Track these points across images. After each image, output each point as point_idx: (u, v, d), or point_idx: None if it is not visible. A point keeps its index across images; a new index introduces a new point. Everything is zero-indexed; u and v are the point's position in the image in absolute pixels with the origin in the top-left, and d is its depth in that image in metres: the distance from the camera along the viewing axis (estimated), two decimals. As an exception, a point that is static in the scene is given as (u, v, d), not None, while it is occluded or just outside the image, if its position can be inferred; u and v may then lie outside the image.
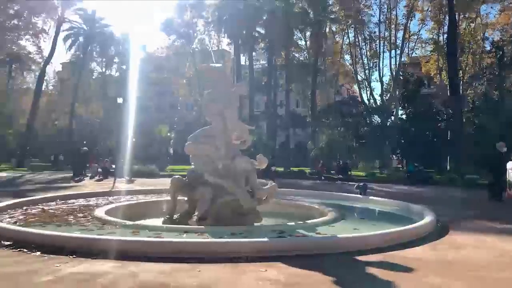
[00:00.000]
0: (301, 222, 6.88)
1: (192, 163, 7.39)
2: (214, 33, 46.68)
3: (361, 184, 12.79)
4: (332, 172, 28.13)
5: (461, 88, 33.66)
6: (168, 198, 7.38)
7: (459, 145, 26.69)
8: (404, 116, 34.69)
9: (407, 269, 4.43)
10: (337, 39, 45.25)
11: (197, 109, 45.38)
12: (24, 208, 8.27)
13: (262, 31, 39.90)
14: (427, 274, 4.26)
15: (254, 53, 41.33)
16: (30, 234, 5.32)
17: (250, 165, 7.15)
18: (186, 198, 7.19)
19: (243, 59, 43.30)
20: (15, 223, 6.55)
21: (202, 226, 6.39)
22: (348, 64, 46.52)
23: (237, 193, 6.87)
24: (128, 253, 4.61)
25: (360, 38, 42.11)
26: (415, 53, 43.19)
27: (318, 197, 11.15)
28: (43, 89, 44.25)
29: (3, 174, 23.38)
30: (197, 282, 3.83)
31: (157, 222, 7.02)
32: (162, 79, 53.12)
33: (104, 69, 52.52)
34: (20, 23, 34.98)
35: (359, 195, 11.75)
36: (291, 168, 31.37)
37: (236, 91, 7.77)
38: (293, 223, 6.84)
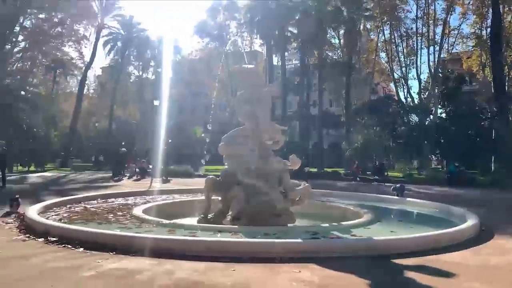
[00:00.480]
0: (336, 224, 6.78)
1: (226, 164, 7.48)
2: (246, 34, 47.00)
3: (398, 185, 12.40)
4: (367, 173, 27.49)
5: (506, 84, 31.81)
6: (203, 197, 7.52)
7: (505, 144, 25.22)
8: (444, 115, 33.23)
9: (448, 274, 4.25)
10: (372, 36, 44.17)
11: (230, 110, 45.86)
12: (68, 206, 8.72)
13: (295, 31, 39.66)
14: (469, 279, 4.07)
15: (286, 53, 41.18)
16: (74, 231, 5.60)
17: (282, 166, 7.13)
18: (220, 198, 7.29)
19: (275, 60, 43.26)
20: (60, 220, 6.91)
21: (236, 226, 6.46)
22: (383, 62, 45.25)
23: (270, 194, 6.88)
24: (164, 251, 4.74)
25: (396, 35, 40.83)
26: (456, 49, 41.31)
27: (353, 199, 10.94)
28: (84, 92, 46.39)
29: (49, 174, 24.74)
30: (231, 281, 3.87)
31: (192, 221, 7.16)
32: (196, 81, 54.13)
33: (140, 73, 54.29)
34: (63, 31, 36.87)
35: (396, 197, 11.40)
36: (325, 169, 30.95)
37: (268, 91, 7.78)
38: (327, 225, 6.75)
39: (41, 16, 34.71)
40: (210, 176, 7.60)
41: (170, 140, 26.68)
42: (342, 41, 41.97)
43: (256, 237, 5.49)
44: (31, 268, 4.30)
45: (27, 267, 4.35)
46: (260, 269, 4.27)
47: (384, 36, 41.88)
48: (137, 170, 23.49)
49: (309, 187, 7.30)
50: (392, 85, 46.90)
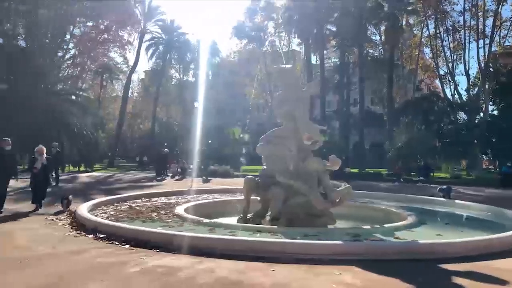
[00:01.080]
0: (378, 226, 6.60)
1: (264, 164, 7.51)
2: (284, 34, 46.90)
3: (445, 186, 11.82)
4: (412, 173, 26.43)
5: None
6: (242, 197, 7.59)
7: None
8: (495, 112, 31.23)
9: (499, 281, 3.99)
10: (415, 31, 42.46)
11: (268, 111, 45.95)
12: (115, 204, 9.14)
13: (334, 29, 39.02)
14: (525, 288, 3.80)
15: (325, 52, 40.58)
16: (120, 229, 5.87)
17: (322, 166, 7.04)
18: (259, 198, 7.32)
19: (314, 58, 42.83)
20: (107, 218, 7.27)
21: (275, 226, 6.46)
22: (428, 57, 43.37)
23: (309, 194, 6.82)
24: (205, 250, 4.84)
25: (441, 29, 38.96)
26: (508, 42, 38.72)
27: (397, 200, 10.57)
28: (129, 96, 48.43)
29: (97, 173, 26.06)
30: (271, 281, 3.88)
31: (232, 220, 7.25)
32: (235, 82, 54.79)
33: (181, 75, 55.80)
34: (109, 37, 38.71)
35: (442, 199, 10.88)
36: (366, 170, 30.15)
37: (307, 91, 7.72)
38: (369, 227, 6.58)
39: (89, 24, 36.68)
40: (249, 177, 7.66)
41: (210, 141, 27.20)
42: (383, 37, 40.74)
43: (296, 238, 5.46)
44: (83, 262, 4.56)
45: (79, 261, 4.62)
46: (300, 270, 4.25)
47: (429, 31, 40.12)
48: (179, 170, 24.16)
49: (349, 188, 7.16)
50: (437, 81, 44.83)
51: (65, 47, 35.12)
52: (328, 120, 36.89)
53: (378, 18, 37.06)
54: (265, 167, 7.48)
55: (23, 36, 31.82)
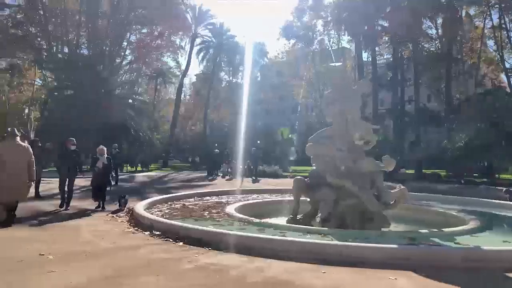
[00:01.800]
0: (436, 230, 6.23)
1: (314, 164, 7.40)
2: (333, 32, 46.02)
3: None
4: (474, 175, 24.70)
5: None
6: (291, 198, 7.55)
7: None
8: None
9: None
10: (477, 23, 39.59)
11: (318, 110, 45.33)
12: (169, 203, 9.52)
13: (386, 24, 37.53)
14: None
15: (377, 48, 39.18)
16: (174, 226, 6.09)
17: (375, 167, 6.80)
18: (308, 199, 7.24)
19: (365, 55, 41.48)
20: (162, 216, 7.58)
21: (326, 228, 6.34)
22: (492, 50, 40.22)
23: (361, 196, 6.62)
24: (255, 249, 4.87)
25: (507, 19, 35.94)
26: None
27: (457, 203, 9.92)
28: (181, 98, 50.28)
29: (153, 173, 27.30)
30: (322, 283, 3.81)
31: (281, 221, 7.24)
32: (283, 82, 54.75)
33: (231, 77, 56.85)
34: (162, 43, 40.46)
35: (509, 202, 10.03)
36: (423, 171, 28.63)
37: (358, 89, 7.50)
38: (426, 231, 6.24)
39: (143, 31, 38.60)
40: (299, 177, 7.60)
41: (258, 141, 27.39)
42: (440, 30, 38.47)
43: (347, 240, 5.32)
44: (140, 257, 4.80)
45: (137, 256, 4.86)
46: (351, 274, 4.13)
47: (492, 22, 37.20)
48: (229, 170, 24.61)
49: (405, 190, 6.84)
50: (503, 76, 41.43)
51: (122, 53, 37.27)
52: (381, 119, 35.54)
53: (434, 10, 35.04)
54: (314, 167, 7.38)
55: (85, 45, 34.28)
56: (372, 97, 35.09)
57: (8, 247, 5.36)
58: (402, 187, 6.97)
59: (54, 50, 32.17)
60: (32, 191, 9.41)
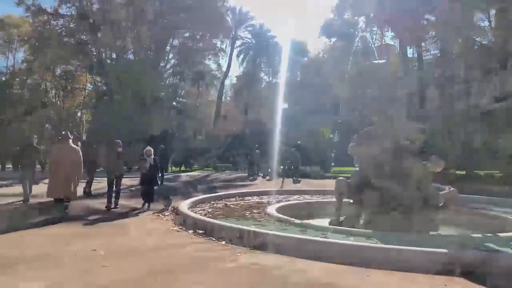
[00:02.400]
0: (491, 235, 5.85)
1: (356, 165, 7.24)
2: (376, 28, 44.69)
3: None
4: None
5: None
6: (333, 199, 7.43)
7: None
8: None
9: None
10: (535, 12, 36.74)
11: (360, 110, 44.24)
12: (212, 202, 9.72)
13: (432, 18, 35.88)
14: None
15: (423, 44, 37.55)
16: (217, 225, 6.20)
17: (422, 168, 6.53)
18: (351, 200, 7.09)
19: (410, 52, 39.90)
20: (205, 215, 7.75)
21: (369, 230, 6.17)
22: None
23: (407, 198, 6.38)
24: (296, 250, 4.85)
25: None
26: None
27: (513, 207, 9.26)
28: (222, 100, 51.18)
29: (196, 173, 27.97)
30: (365, 287, 3.73)
31: (323, 222, 7.14)
32: (324, 81, 53.98)
33: (271, 78, 56.98)
34: (204, 45, 41.42)
35: None
36: (475, 171, 27.02)
37: (402, 87, 7.24)
38: (479, 235, 5.88)
39: (186, 35, 39.69)
40: (341, 178, 7.46)
41: (299, 142, 27.22)
42: (493, 22, 36.13)
43: (392, 243, 5.14)
44: (185, 256, 4.95)
45: (180, 254, 5.02)
46: (396, 278, 3.99)
47: (553, 10, 34.34)
48: (269, 170, 24.66)
49: (454, 192, 6.50)
50: None
51: (166, 57, 38.57)
52: (428, 117, 34.01)
53: (486, 1, 32.96)
54: (357, 168, 7.21)
55: (132, 50, 35.85)
56: (418, 95, 33.69)
57: (62, 243, 5.74)
58: (452, 188, 6.63)
59: (103, 56, 33.96)
60: (81, 190, 10.00)
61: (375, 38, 47.71)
